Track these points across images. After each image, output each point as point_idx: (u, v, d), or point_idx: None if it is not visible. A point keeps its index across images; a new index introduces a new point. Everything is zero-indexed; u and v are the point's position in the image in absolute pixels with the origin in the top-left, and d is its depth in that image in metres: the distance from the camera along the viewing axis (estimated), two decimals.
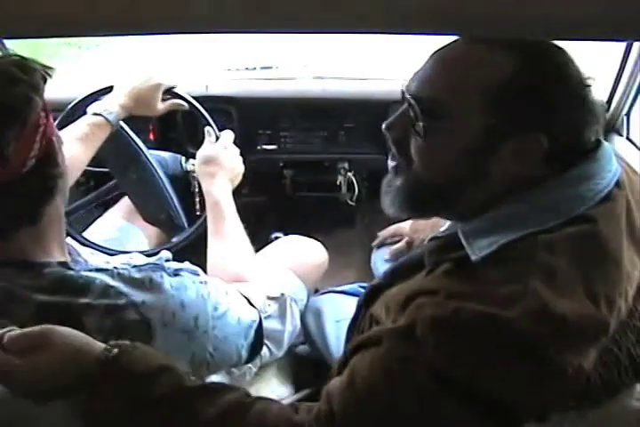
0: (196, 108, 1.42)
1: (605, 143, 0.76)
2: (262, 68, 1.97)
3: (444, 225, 0.89)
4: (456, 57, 0.74)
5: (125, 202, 1.60)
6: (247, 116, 1.75)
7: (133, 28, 0.57)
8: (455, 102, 0.72)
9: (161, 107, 1.43)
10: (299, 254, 1.46)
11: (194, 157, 1.47)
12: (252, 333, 0.96)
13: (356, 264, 1.89)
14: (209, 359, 0.87)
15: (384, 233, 1.54)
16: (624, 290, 0.69)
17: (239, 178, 1.34)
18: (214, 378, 1.07)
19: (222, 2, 0.52)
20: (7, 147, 0.70)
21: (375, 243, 1.56)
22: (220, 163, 1.30)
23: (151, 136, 1.74)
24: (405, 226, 1.48)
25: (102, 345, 0.70)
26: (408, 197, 0.79)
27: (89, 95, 1.43)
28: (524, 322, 0.62)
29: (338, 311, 1.32)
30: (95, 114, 1.32)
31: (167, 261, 0.88)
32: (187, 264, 0.91)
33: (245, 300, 0.98)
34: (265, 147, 1.80)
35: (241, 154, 1.38)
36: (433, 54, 0.76)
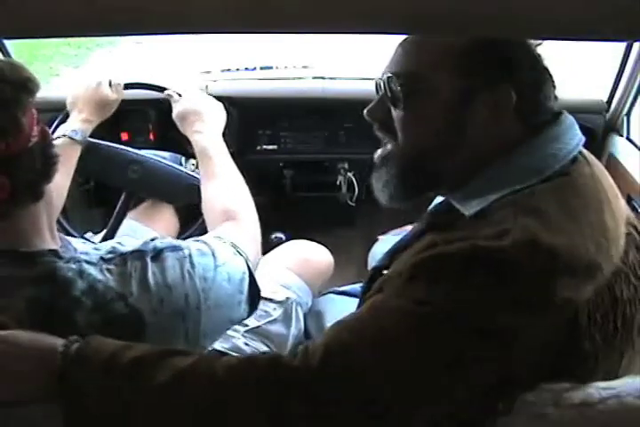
0: (145, 84, 1.46)
1: (566, 113, 0.81)
2: (262, 68, 1.97)
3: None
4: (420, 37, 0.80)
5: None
6: (247, 116, 1.75)
7: (133, 28, 0.58)
8: (428, 68, 0.78)
9: (114, 96, 1.42)
10: (304, 259, 1.46)
11: (194, 157, 1.47)
12: (246, 285, 0.94)
13: (356, 264, 1.89)
14: (206, 330, 0.87)
15: None
16: (610, 237, 0.71)
17: (223, 116, 1.32)
18: None
19: (222, 2, 0.52)
20: (23, 116, 0.75)
21: None
22: (193, 112, 1.28)
23: (151, 136, 1.74)
24: None
25: (59, 343, 0.70)
26: (399, 181, 0.82)
27: None
28: (514, 250, 0.65)
29: (339, 313, 1.32)
30: (59, 137, 1.32)
31: (153, 240, 0.88)
32: (168, 240, 0.90)
33: (232, 249, 0.95)
34: (265, 147, 1.80)
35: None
36: (400, 43, 0.82)
